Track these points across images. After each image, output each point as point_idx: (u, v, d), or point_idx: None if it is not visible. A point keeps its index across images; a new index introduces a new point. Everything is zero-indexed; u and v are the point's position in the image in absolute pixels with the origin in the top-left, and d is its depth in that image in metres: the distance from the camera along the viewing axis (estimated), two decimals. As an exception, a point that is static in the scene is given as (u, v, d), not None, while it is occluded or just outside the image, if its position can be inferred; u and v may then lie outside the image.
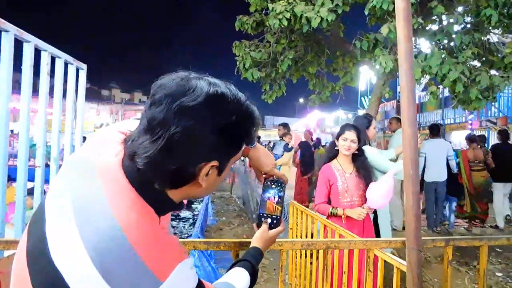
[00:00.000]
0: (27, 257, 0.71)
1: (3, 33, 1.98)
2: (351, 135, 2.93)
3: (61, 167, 0.82)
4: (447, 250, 1.62)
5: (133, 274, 0.64)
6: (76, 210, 0.69)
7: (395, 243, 1.61)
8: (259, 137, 21.68)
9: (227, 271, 1.07)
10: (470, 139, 6.75)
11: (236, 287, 0.98)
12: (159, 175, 0.73)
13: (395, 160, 3.57)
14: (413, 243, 1.48)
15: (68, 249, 0.65)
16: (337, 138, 3.02)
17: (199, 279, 0.77)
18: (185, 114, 0.70)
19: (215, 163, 0.76)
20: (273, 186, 1.19)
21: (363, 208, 2.77)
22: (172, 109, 0.69)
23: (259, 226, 1.19)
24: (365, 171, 2.98)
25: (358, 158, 3.00)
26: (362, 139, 3.10)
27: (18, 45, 2.02)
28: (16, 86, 3.29)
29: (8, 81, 2.00)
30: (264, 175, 1.22)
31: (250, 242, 1.20)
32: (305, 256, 2.97)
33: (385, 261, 1.75)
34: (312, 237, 3.05)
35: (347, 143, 2.93)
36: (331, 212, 2.84)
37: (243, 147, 0.85)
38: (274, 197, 1.18)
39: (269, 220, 1.18)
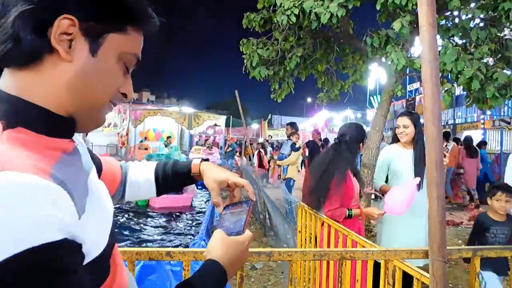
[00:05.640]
0: None
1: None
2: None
3: None
4: (475, 261, 1.47)
5: None
6: None
7: (417, 253, 1.46)
8: (270, 137, 21.47)
9: None
10: None
11: None
12: None
13: None
14: (438, 253, 1.33)
15: None
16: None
17: (66, 239, 0.49)
18: None
19: (70, 17, 0.57)
20: (235, 211, 0.89)
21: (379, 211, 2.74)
22: None
23: None
24: (357, 174, 2.97)
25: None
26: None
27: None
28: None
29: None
30: (224, 199, 0.96)
31: (256, 252, 1.01)
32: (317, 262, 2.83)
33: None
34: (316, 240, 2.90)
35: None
36: (348, 215, 2.71)
37: (130, 21, 0.65)
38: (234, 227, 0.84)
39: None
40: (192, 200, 8.96)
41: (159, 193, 1.05)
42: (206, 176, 0.97)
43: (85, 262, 0.57)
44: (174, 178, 1.04)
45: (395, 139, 3.23)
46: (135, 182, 1.03)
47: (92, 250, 0.59)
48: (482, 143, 10.30)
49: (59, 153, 0.60)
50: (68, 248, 0.50)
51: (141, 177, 1.04)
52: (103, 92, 0.65)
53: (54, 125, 0.61)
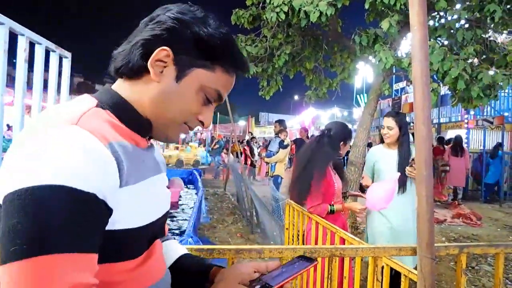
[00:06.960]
0: None
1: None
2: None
3: None
4: (461, 258, 1.49)
5: None
6: None
7: (405, 251, 1.48)
8: (251, 133, 21.02)
9: None
10: None
11: None
12: (115, 60, 0.79)
13: None
14: (426, 250, 1.35)
15: None
16: None
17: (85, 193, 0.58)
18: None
19: (166, 49, 0.74)
20: (300, 262, 0.85)
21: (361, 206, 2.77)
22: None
23: None
24: (340, 171, 3.02)
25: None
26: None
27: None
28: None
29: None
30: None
31: (247, 249, 1.00)
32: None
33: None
34: (303, 236, 2.92)
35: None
36: (330, 210, 2.73)
37: (219, 62, 0.78)
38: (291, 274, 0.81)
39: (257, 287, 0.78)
40: (180, 196, 8.91)
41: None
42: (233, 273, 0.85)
43: (117, 228, 0.65)
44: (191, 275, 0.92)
45: (382, 139, 3.26)
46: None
47: (126, 218, 0.67)
48: (499, 145, 10.10)
49: (131, 142, 0.74)
50: (92, 202, 0.59)
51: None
52: (177, 113, 0.78)
53: (134, 120, 0.77)
